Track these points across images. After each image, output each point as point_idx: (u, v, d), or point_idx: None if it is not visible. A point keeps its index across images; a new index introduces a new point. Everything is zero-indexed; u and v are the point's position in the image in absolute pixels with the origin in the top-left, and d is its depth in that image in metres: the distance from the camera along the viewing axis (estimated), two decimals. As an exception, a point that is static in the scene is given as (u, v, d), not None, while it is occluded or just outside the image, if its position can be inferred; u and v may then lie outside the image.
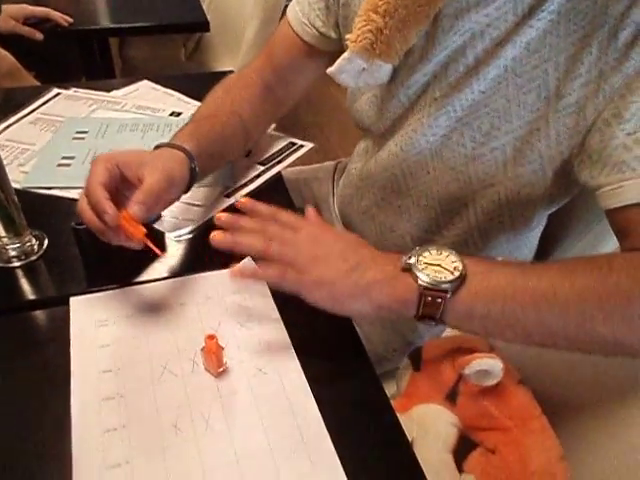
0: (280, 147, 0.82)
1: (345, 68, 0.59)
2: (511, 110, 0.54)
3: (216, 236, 0.49)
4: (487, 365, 0.47)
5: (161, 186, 0.51)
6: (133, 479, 0.40)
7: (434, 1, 0.51)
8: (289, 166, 0.81)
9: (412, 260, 0.46)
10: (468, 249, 0.67)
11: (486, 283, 0.45)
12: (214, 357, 0.47)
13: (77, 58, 1.55)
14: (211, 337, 0.46)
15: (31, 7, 1.26)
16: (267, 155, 0.80)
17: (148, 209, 0.49)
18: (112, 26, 1.43)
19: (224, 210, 0.67)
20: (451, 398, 0.51)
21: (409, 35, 0.54)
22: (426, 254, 0.46)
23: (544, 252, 0.77)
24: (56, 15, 1.28)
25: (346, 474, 0.41)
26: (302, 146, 0.83)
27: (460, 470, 0.50)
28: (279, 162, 0.79)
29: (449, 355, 0.50)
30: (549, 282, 0.44)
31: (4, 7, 1.23)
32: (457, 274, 0.44)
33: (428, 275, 0.44)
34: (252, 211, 0.53)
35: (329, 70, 0.61)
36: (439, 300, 0.44)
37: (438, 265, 0.45)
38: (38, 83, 1.28)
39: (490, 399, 0.49)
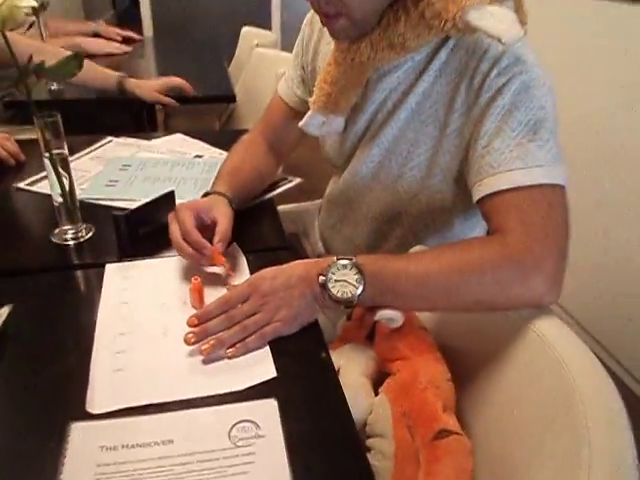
0: (275, 180, 1.05)
1: (310, 122, 0.83)
2: (419, 139, 0.76)
3: (205, 350, 0.59)
4: (388, 314, 0.64)
5: (229, 226, 0.74)
6: (132, 360, 0.59)
7: (364, 73, 0.75)
8: (286, 201, 1.04)
9: (323, 279, 0.62)
10: (404, 248, 0.86)
11: (381, 279, 0.62)
12: (197, 294, 0.67)
13: (129, 126, 1.89)
14: (196, 279, 0.67)
15: (170, 81, 1.58)
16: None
17: (225, 243, 0.72)
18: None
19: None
20: (370, 338, 0.69)
21: (350, 96, 0.78)
22: (334, 271, 0.62)
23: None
24: (186, 85, 1.59)
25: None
26: (292, 180, 1.07)
27: (376, 394, 0.66)
28: (272, 190, 1.02)
29: (370, 308, 0.69)
30: (424, 267, 0.63)
31: (146, 82, 1.56)
32: (360, 288, 0.61)
33: (338, 292, 0.61)
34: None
35: (299, 124, 0.85)
36: (350, 303, 0.62)
37: (344, 281, 0.62)
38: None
39: (397, 337, 0.66)
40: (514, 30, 0.61)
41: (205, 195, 0.81)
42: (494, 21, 0.61)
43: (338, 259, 0.64)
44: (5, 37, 0.69)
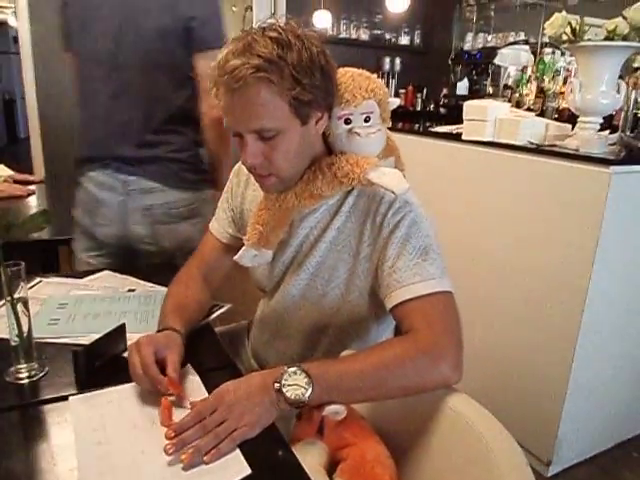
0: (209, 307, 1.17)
1: (244, 255, 1.00)
2: (337, 265, 0.95)
3: (185, 458, 0.67)
4: (334, 409, 0.78)
5: (179, 360, 0.85)
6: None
7: (289, 216, 0.95)
8: (219, 323, 1.16)
9: (278, 385, 0.74)
10: (332, 355, 1.02)
11: (326, 379, 0.75)
12: (167, 411, 0.75)
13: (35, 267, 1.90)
14: (166, 398, 0.76)
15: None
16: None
17: (177, 374, 0.82)
18: (69, 237, 1.81)
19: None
20: (320, 432, 0.81)
21: (278, 233, 0.97)
22: (287, 377, 0.74)
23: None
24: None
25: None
26: (223, 306, 1.19)
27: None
28: (208, 316, 1.13)
29: (317, 406, 0.81)
30: (359, 366, 0.79)
31: None
32: (309, 389, 0.74)
33: (291, 395, 0.73)
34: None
35: (235, 258, 1.01)
36: (302, 403, 0.75)
37: (296, 385, 0.74)
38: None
39: (343, 428, 0.79)
40: (402, 184, 0.86)
41: (161, 329, 0.91)
42: (388, 179, 0.86)
43: (288, 367, 0.77)
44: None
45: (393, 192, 0.85)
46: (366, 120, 0.92)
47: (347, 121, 0.91)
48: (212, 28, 1.37)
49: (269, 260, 1.02)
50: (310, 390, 0.75)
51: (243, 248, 1.00)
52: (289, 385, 0.75)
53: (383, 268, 0.88)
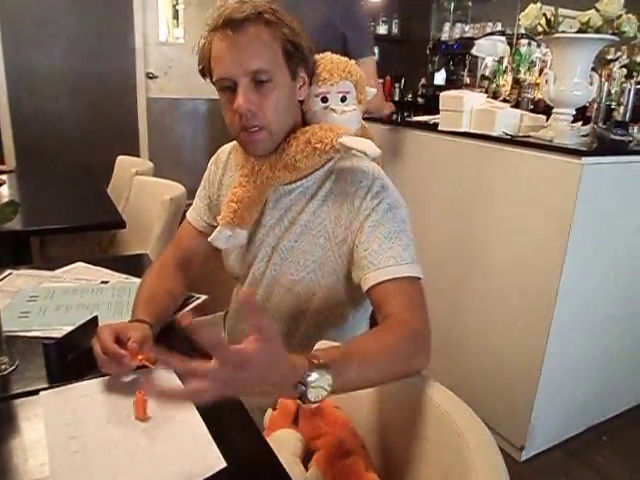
0: (184, 299, 1.16)
1: (219, 236, 0.99)
2: (312, 249, 0.96)
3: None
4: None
5: (141, 334, 0.84)
6: (94, 476, 0.65)
7: (263, 194, 0.95)
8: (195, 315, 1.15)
9: (304, 388, 0.60)
10: (310, 341, 1.01)
11: (342, 384, 0.64)
12: (141, 405, 0.75)
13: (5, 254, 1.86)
14: (140, 392, 0.75)
15: None
16: (174, 303, 1.13)
17: (139, 346, 0.81)
18: (42, 227, 1.79)
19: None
20: (295, 422, 0.81)
21: (252, 212, 0.97)
22: (314, 379, 0.60)
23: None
24: None
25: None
26: (199, 297, 1.18)
27: (307, 469, 0.78)
28: (183, 308, 1.12)
29: (294, 395, 0.81)
30: (372, 361, 0.71)
31: None
32: (328, 392, 0.62)
33: (312, 397, 0.60)
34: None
35: (209, 238, 1.01)
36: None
37: (320, 387, 0.61)
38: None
39: (318, 418, 0.80)
40: (375, 149, 0.88)
41: (131, 322, 0.90)
42: (361, 144, 0.88)
43: (316, 367, 0.62)
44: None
45: (365, 154, 0.87)
46: (342, 99, 0.96)
47: (324, 99, 0.96)
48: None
49: (243, 241, 1.01)
50: (329, 392, 0.63)
51: (217, 229, 0.99)
52: (312, 387, 0.62)
53: (358, 251, 0.89)
